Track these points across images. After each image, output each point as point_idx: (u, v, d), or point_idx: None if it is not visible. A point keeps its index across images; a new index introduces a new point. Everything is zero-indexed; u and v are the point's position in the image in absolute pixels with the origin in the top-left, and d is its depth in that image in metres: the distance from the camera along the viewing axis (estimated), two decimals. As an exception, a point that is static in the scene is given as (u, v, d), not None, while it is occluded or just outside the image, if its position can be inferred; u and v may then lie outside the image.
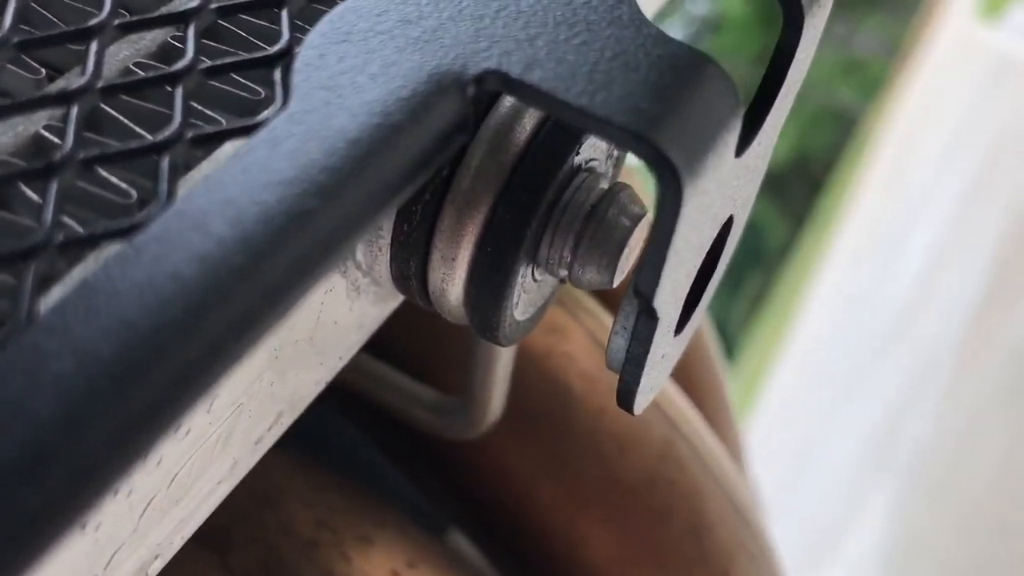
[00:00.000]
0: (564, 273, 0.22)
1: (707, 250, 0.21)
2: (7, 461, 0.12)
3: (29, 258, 0.14)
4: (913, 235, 2.38)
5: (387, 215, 0.15)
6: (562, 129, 0.20)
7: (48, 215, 0.15)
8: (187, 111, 0.16)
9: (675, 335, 0.22)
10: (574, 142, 0.20)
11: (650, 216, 0.20)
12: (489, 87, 0.16)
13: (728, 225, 0.22)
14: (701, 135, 0.16)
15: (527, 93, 0.16)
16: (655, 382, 0.22)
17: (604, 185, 0.22)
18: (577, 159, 0.21)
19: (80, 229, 0.15)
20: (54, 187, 0.15)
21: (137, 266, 0.13)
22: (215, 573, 0.28)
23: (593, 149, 0.22)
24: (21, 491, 0.11)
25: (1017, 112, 2.11)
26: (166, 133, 0.15)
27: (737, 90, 0.17)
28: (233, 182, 0.14)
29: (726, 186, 0.19)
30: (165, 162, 0.15)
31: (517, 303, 0.22)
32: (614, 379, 0.21)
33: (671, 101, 0.16)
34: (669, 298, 0.19)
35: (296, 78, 0.16)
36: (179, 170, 0.16)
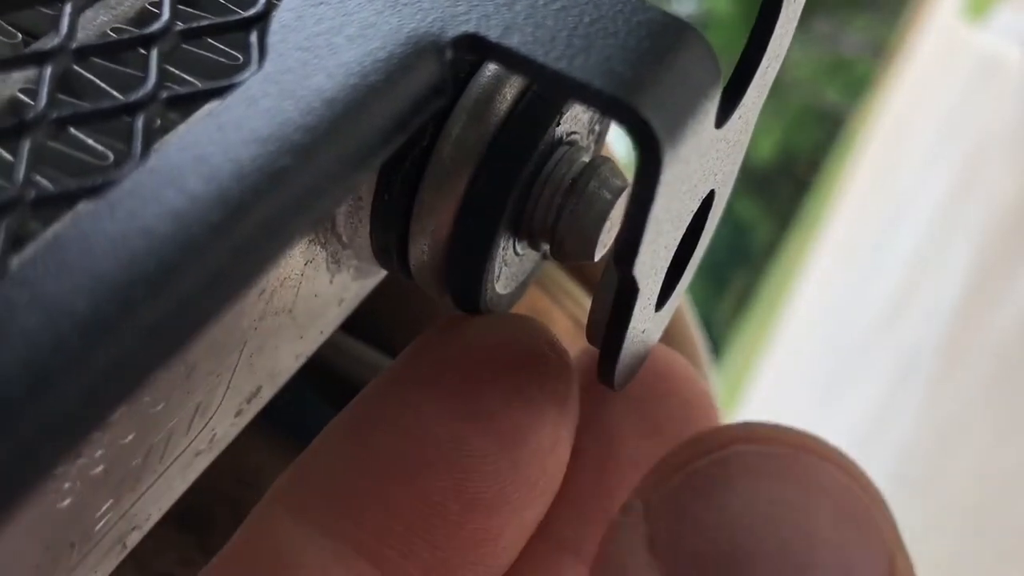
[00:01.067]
0: (545, 246, 0.22)
1: (687, 224, 0.21)
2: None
3: (1, 214, 0.14)
4: (898, 234, 2.39)
5: (362, 177, 0.15)
6: (542, 99, 0.20)
7: (20, 173, 0.14)
8: (162, 73, 0.16)
9: (655, 311, 0.22)
10: (554, 112, 0.20)
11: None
12: (467, 50, 0.16)
13: (709, 200, 0.22)
14: (680, 101, 0.16)
15: (505, 57, 0.16)
16: (636, 358, 0.22)
17: (585, 158, 0.22)
18: (558, 131, 0.21)
19: (53, 188, 0.15)
20: (27, 146, 0.15)
21: (110, 221, 0.13)
22: (193, 554, 0.28)
23: (574, 122, 0.22)
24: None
25: (1002, 112, 2.12)
26: (139, 94, 0.15)
27: (717, 58, 0.17)
28: (208, 140, 0.14)
29: (706, 157, 0.19)
30: (139, 122, 0.15)
31: (498, 276, 0.22)
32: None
33: (650, 66, 0.16)
34: (648, 270, 0.19)
35: (273, 39, 0.15)
36: (154, 131, 0.15)
